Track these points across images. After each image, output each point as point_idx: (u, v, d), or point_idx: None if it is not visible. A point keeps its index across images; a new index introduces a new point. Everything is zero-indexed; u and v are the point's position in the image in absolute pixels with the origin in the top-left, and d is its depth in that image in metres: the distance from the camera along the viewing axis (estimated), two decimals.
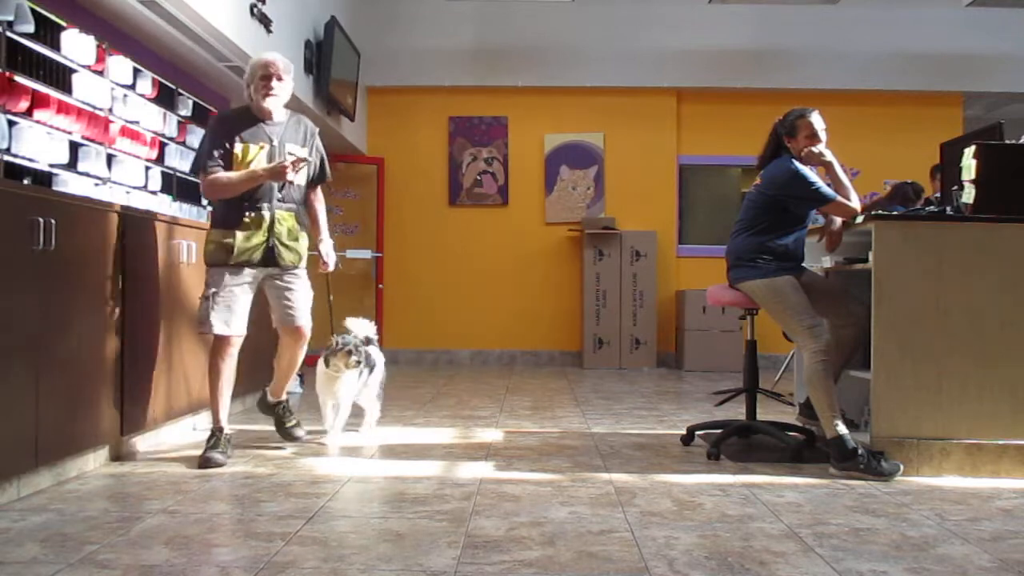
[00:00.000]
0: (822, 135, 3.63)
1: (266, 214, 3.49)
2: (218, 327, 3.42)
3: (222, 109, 3.41)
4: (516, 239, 8.32)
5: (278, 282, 3.61)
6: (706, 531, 2.52)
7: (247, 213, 3.46)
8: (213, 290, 3.42)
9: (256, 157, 3.47)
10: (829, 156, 3.62)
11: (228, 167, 3.44)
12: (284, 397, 3.92)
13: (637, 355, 7.97)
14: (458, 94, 8.31)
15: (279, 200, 3.53)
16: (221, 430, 3.50)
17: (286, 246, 3.56)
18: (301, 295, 3.67)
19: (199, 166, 3.47)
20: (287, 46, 5.91)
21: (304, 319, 3.68)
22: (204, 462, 3.33)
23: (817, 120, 3.63)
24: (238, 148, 3.46)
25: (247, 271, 3.49)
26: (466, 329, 8.33)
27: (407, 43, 8.19)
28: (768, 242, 3.60)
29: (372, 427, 4.12)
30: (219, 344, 3.47)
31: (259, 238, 3.47)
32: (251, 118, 3.55)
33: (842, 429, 3.33)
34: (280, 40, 5.72)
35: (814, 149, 3.60)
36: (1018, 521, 2.69)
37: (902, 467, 3.26)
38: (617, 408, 5.24)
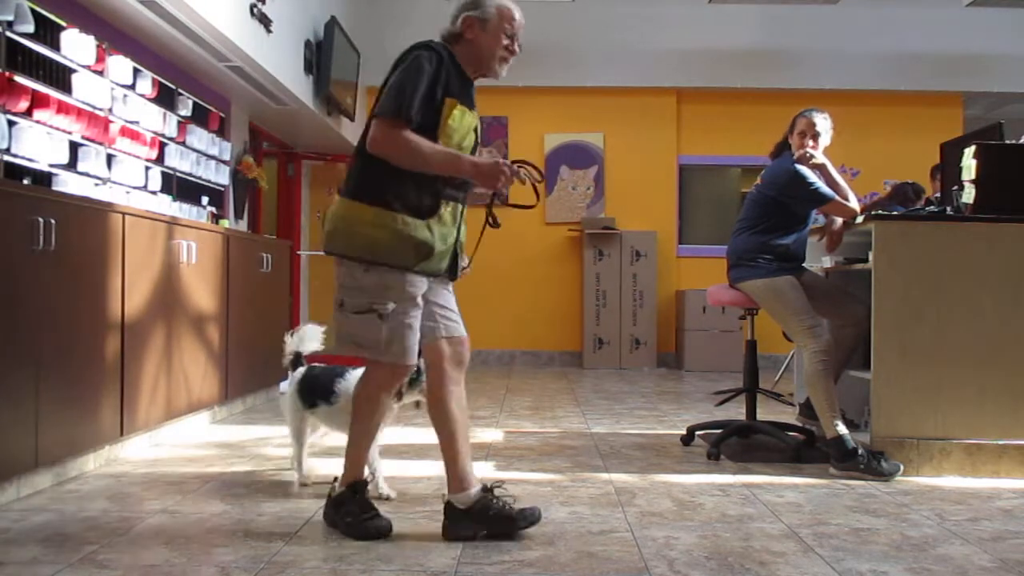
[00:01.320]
0: (825, 138, 3.64)
1: (460, 207, 2.51)
2: (411, 356, 2.43)
3: (425, 45, 2.55)
4: (516, 239, 8.31)
5: (438, 287, 2.56)
6: (706, 531, 2.52)
7: (445, 201, 2.43)
8: (392, 305, 2.36)
9: (469, 128, 2.46)
10: (821, 159, 3.62)
11: (429, 126, 2.37)
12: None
13: (637, 355, 7.97)
14: None
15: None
16: (365, 483, 2.55)
17: (461, 250, 2.59)
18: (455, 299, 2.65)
19: (398, 109, 2.33)
20: (287, 46, 5.92)
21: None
22: (374, 531, 2.41)
23: (819, 120, 3.64)
24: (457, 111, 2.41)
25: (425, 283, 2.45)
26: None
27: (407, 43, 8.13)
28: (769, 242, 3.60)
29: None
30: (398, 373, 2.47)
31: (451, 239, 2.48)
32: (460, 70, 2.50)
33: (842, 429, 3.33)
34: (280, 40, 5.72)
35: (806, 151, 3.61)
36: (1018, 521, 2.69)
37: (902, 467, 3.26)
38: (617, 408, 5.24)
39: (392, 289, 2.36)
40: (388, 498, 2.87)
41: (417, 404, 2.76)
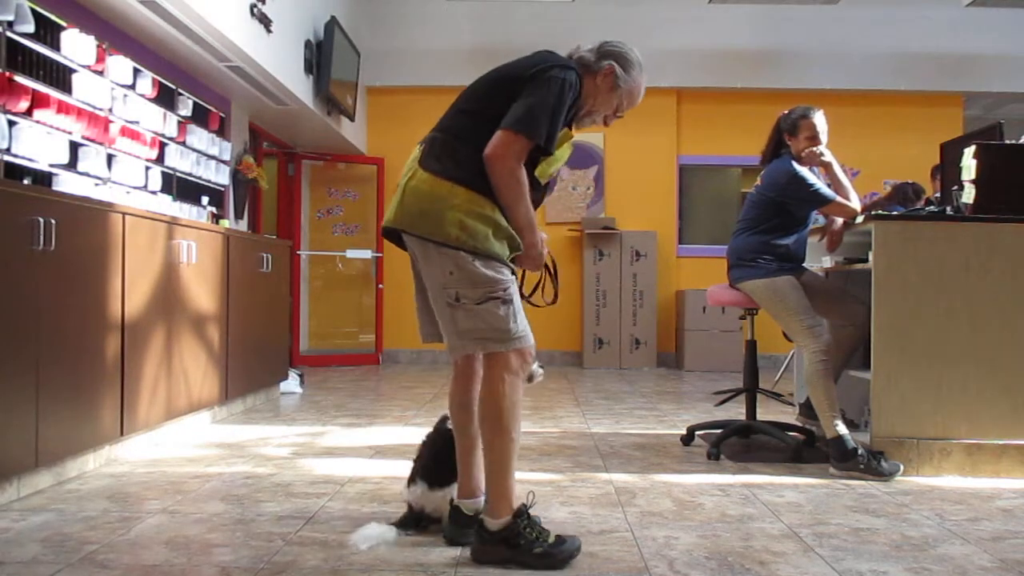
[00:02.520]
0: (823, 136, 3.63)
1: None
2: (530, 336, 2.34)
3: (569, 66, 2.33)
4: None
5: None
6: (706, 531, 2.52)
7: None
8: (510, 287, 2.26)
9: (564, 157, 2.42)
10: (829, 157, 3.62)
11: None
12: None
13: (637, 355, 7.97)
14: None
15: None
16: (529, 508, 2.26)
17: None
18: None
19: (542, 137, 2.19)
20: (287, 46, 5.92)
21: None
22: (576, 552, 2.22)
23: (820, 121, 3.63)
24: (567, 144, 2.38)
25: None
26: None
27: (407, 43, 8.19)
28: (769, 242, 3.60)
29: None
30: (527, 357, 2.33)
31: None
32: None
33: (842, 429, 3.33)
34: (280, 40, 5.72)
35: (815, 149, 3.60)
36: (1018, 521, 2.69)
37: (902, 467, 3.26)
38: (617, 408, 5.24)
39: (503, 272, 2.23)
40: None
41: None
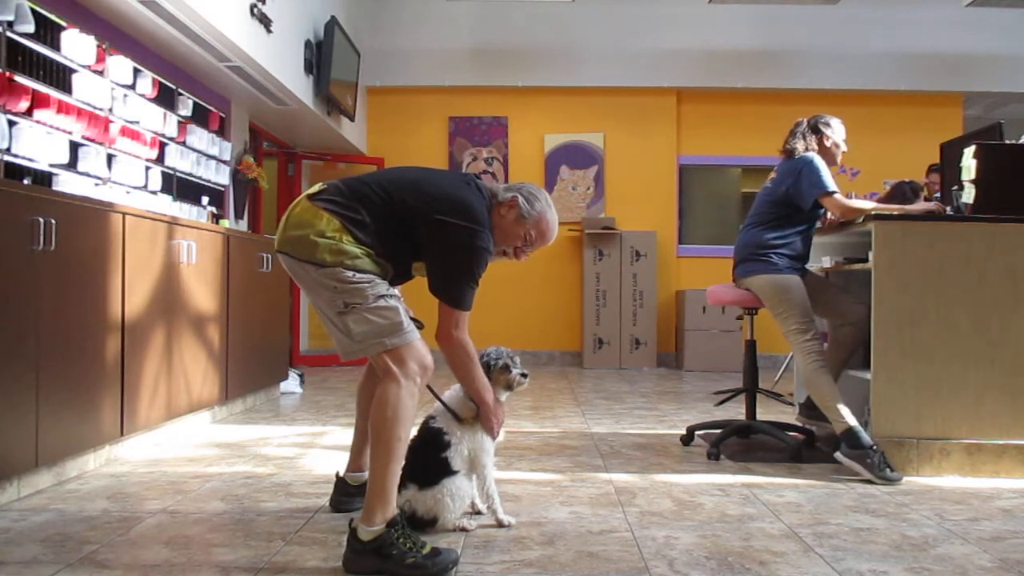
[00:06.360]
0: (844, 145, 3.74)
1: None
2: (416, 332, 2.37)
3: (486, 221, 2.45)
4: None
5: None
6: (706, 531, 2.52)
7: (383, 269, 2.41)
8: (389, 287, 2.37)
9: None
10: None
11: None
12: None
13: (637, 355, 7.97)
14: (458, 94, 8.31)
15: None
16: (401, 514, 2.24)
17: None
18: None
19: (468, 303, 2.44)
20: (287, 46, 5.92)
21: None
22: (451, 565, 2.14)
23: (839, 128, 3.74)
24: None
25: None
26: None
27: (407, 43, 8.19)
28: (778, 239, 3.59)
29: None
30: (423, 365, 2.37)
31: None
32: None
33: (852, 421, 3.30)
34: (280, 40, 5.72)
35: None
36: (1018, 521, 2.69)
37: (903, 479, 3.24)
38: (617, 408, 5.24)
39: (377, 274, 2.34)
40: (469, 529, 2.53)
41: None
